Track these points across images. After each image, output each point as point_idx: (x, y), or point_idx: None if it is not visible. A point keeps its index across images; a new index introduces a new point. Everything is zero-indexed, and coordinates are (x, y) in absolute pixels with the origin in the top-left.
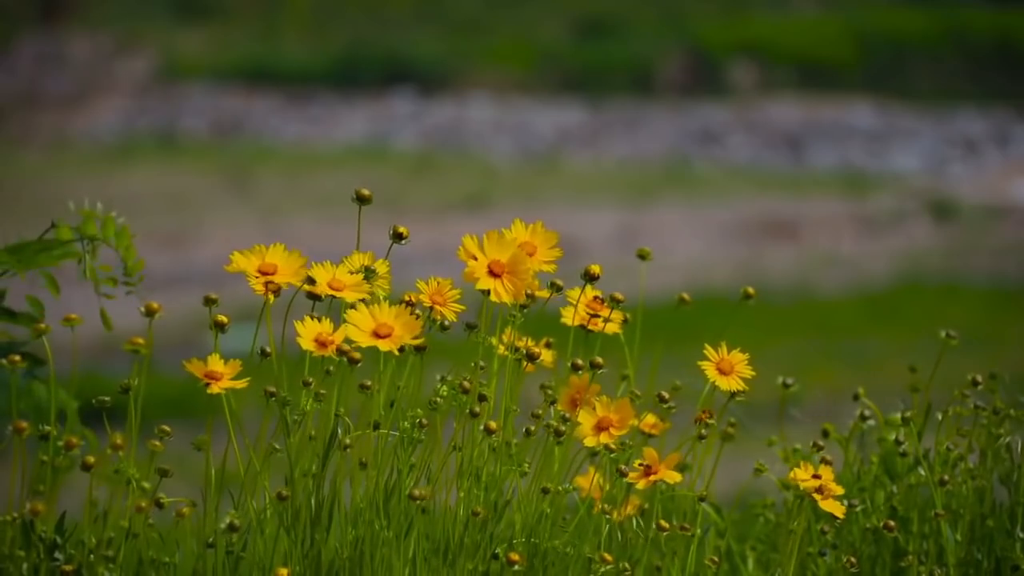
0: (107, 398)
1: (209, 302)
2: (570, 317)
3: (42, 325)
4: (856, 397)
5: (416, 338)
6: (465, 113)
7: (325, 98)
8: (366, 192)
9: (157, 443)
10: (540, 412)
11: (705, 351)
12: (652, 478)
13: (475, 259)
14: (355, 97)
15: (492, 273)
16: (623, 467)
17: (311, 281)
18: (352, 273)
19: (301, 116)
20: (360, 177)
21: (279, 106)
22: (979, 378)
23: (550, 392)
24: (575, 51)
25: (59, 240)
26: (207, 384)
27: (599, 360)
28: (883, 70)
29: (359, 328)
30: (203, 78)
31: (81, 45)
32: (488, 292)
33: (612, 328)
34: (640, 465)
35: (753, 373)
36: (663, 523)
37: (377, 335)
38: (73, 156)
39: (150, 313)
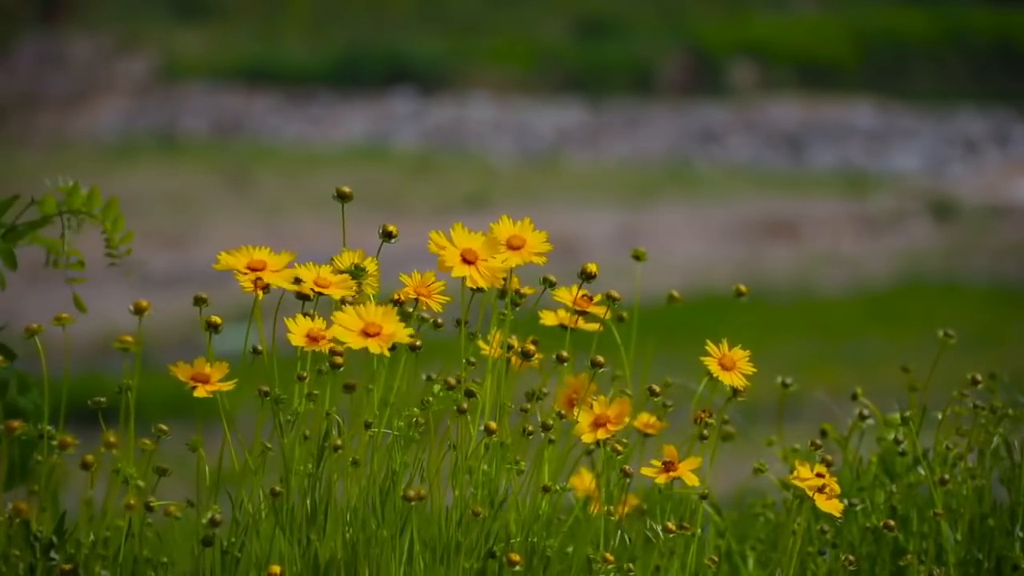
0: (103, 399)
1: (199, 302)
2: (550, 318)
3: (34, 325)
4: (855, 397)
5: (411, 336)
6: (465, 113)
7: (325, 98)
8: (346, 189)
9: (148, 442)
10: (530, 407)
11: (707, 347)
12: (672, 474)
13: (444, 249)
14: (355, 97)
15: (465, 260)
16: (627, 468)
17: (298, 281)
18: (339, 272)
19: (301, 116)
20: (360, 177)
21: (279, 106)
22: (979, 377)
23: (544, 392)
24: (575, 51)
25: (39, 219)
26: (193, 387)
27: (600, 359)
28: (883, 70)
29: (347, 328)
30: (203, 78)
31: (81, 45)
32: (464, 279)
33: (592, 326)
34: (661, 462)
35: (755, 370)
36: (670, 525)
37: (366, 334)
38: (73, 156)
39: (139, 311)
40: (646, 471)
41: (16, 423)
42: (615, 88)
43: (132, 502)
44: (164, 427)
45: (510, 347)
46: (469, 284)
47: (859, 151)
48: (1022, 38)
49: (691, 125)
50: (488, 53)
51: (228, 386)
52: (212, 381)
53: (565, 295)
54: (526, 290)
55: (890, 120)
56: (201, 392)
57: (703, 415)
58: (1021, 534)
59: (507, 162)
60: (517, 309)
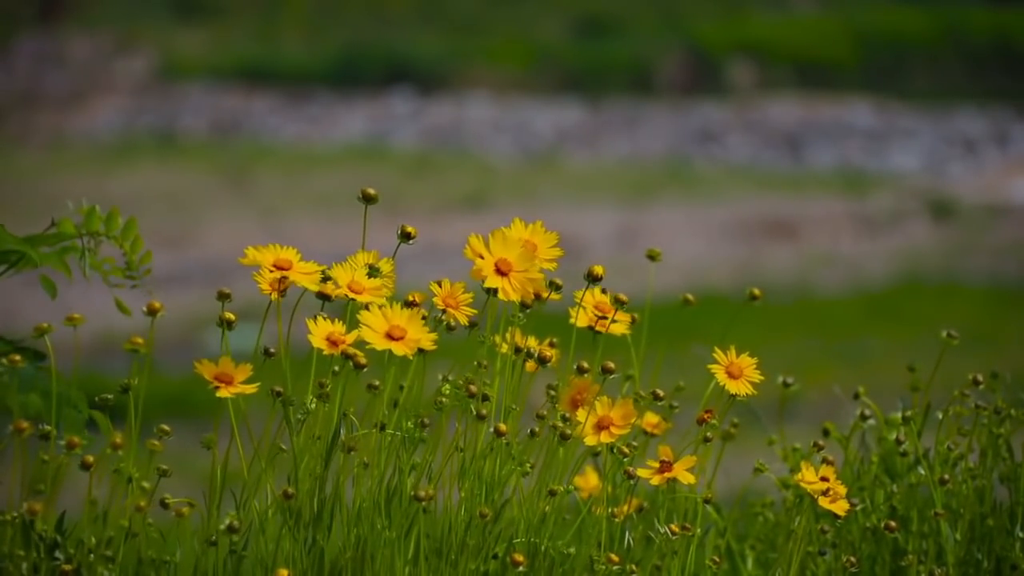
0: (110, 396)
1: (223, 297)
2: (578, 318)
3: (44, 324)
4: (856, 396)
5: (431, 343)
6: (464, 112)
7: (324, 97)
8: (372, 191)
9: (156, 443)
10: (544, 413)
11: (714, 354)
12: (667, 475)
13: (482, 258)
14: (354, 96)
15: (499, 272)
16: (631, 469)
17: (324, 280)
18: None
19: (300, 115)
20: (359, 177)
21: (278, 106)
22: (980, 377)
23: (554, 394)
24: (574, 50)
25: (60, 234)
26: (216, 387)
27: (611, 365)
28: (882, 70)
29: (373, 330)
30: (202, 77)
31: (80, 44)
32: (496, 291)
33: (619, 329)
34: (659, 462)
35: (762, 377)
36: (674, 527)
37: (391, 337)
38: (72, 155)
39: (152, 312)
40: (642, 472)
41: (25, 423)
42: (614, 88)
43: (142, 504)
44: (166, 427)
45: (519, 349)
46: (502, 296)
47: (858, 151)
48: (1022, 38)
49: (690, 125)
50: (487, 53)
51: (251, 388)
52: (235, 382)
53: (590, 299)
54: (554, 296)
55: (889, 120)
56: (224, 392)
57: (706, 416)
58: (1021, 534)
59: (506, 162)
60: (528, 311)
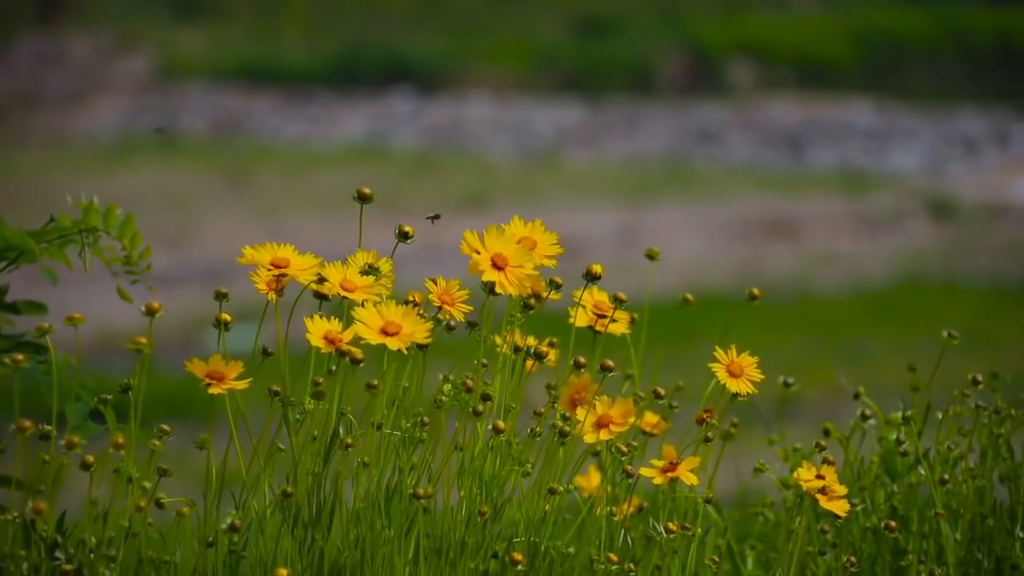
0: (110, 396)
1: (220, 296)
2: (578, 317)
3: (45, 324)
4: (857, 396)
5: (425, 337)
6: (464, 112)
7: (324, 97)
8: (367, 191)
9: (157, 443)
10: (543, 411)
11: (715, 353)
12: (670, 475)
13: (478, 253)
14: (354, 96)
15: (495, 266)
16: (630, 468)
17: (321, 280)
18: (361, 274)
19: (300, 115)
20: (359, 176)
21: (278, 105)
22: (980, 377)
23: (554, 392)
24: (574, 50)
25: (59, 228)
26: (208, 384)
27: (610, 363)
28: (882, 70)
29: (367, 326)
30: (202, 77)
31: (80, 44)
32: (493, 286)
33: (619, 328)
34: (664, 462)
35: (762, 376)
36: (671, 526)
37: (385, 333)
38: (72, 155)
39: (151, 313)
40: (645, 472)
41: (27, 423)
42: (614, 87)
43: (142, 504)
44: (167, 427)
45: (518, 349)
46: (499, 290)
47: (858, 150)
48: (1021, 38)
49: (690, 124)
50: (487, 52)
51: (242, 384)
52: (226, 379)
53: (589, 298)
54: (555, 296)
55: (889, 120)
56: (216, 389)
57: (705, 416)
58: (1021, 534)
59: (506, 161)
60: (530, 312)
